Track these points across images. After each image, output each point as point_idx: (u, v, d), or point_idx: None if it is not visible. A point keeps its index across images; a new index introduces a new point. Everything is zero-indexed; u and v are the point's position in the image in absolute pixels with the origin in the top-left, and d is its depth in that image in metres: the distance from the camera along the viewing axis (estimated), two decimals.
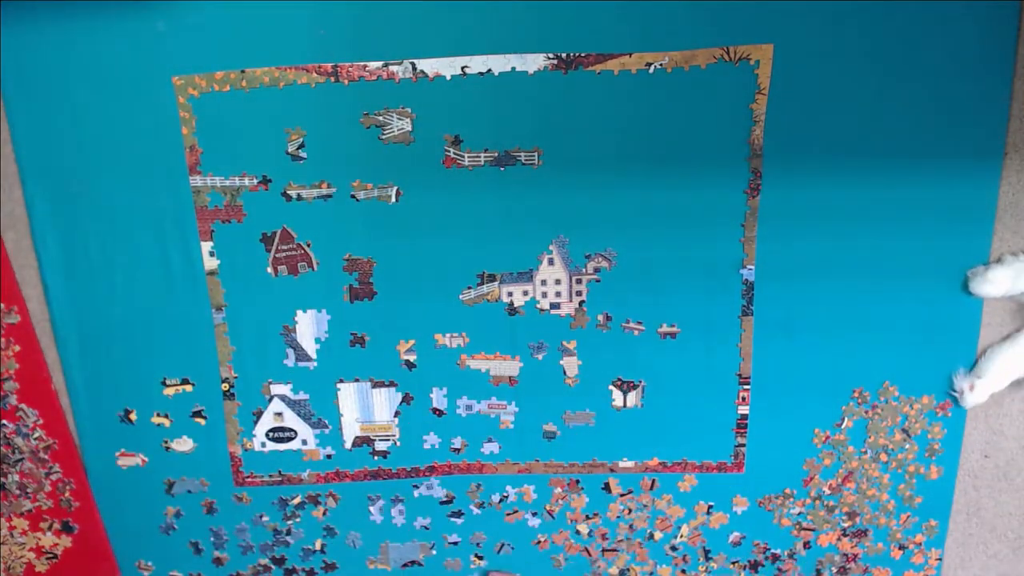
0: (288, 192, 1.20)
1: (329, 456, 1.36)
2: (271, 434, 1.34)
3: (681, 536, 1.40)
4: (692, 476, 1.35)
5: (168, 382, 1.31)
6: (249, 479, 1.37)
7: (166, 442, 1.35)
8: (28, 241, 1.23)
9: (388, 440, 1.35)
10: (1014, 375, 1.22)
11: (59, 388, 1.32)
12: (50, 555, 1.45)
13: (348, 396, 1.31)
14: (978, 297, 1.19)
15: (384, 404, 1.32)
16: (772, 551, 1.40)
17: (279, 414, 1.33)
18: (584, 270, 1.22)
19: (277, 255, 1.23)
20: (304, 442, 1.35)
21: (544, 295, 1.24)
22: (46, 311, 1.27)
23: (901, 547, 1.39)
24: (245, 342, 1.28)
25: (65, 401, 1.33)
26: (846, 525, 1.37)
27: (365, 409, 1.32)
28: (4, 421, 1.33)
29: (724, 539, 1.40)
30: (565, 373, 1.29)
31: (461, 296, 1.24)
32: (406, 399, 1.32)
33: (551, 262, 1.22)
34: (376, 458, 1.36)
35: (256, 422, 1.33)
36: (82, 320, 1.27)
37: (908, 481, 1.33)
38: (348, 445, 1.35)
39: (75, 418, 1.33)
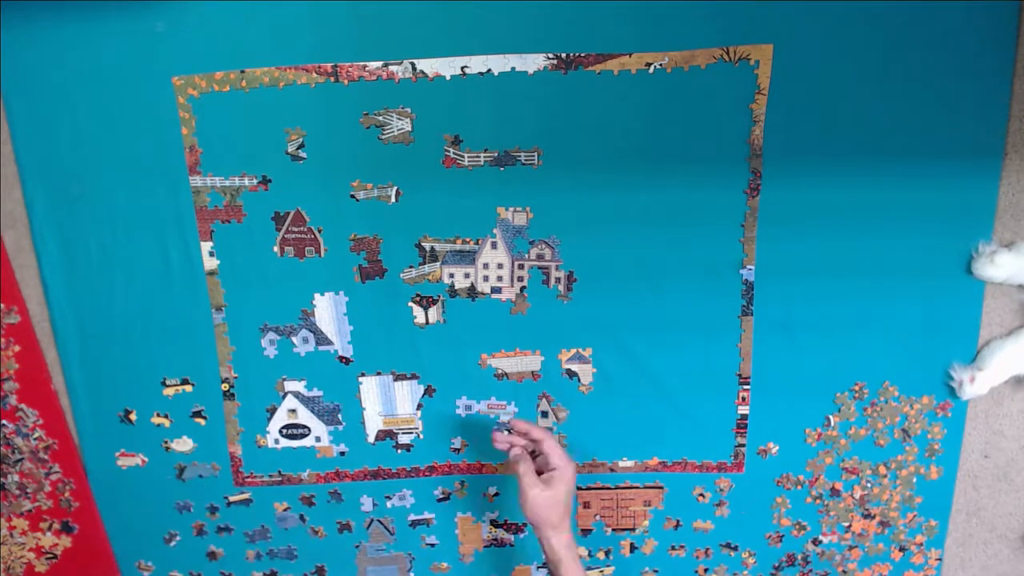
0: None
1: (343, 453, 1.35)
2: (284, 431, 1.34)
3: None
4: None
5: (168, 382, 1.31)
6: (249, 479, 1.37)
7: (166, 442, 1.35)
8: (28, 241, 1.23)
9: (411, 433, 1.34)
10: (1014, 371, 1.21)
11: (59, 388, 1.32)
12: (50, 555, 1.45)
13: (369, 390, 1.30)
14: (979, 280, 1.18)
15: (407, 397, 1.31)
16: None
17: (293, 411, 1.32)
18: (527, 257, 1.22)
19: (287, 235, 1.21)
20: (318, 439, 1.34)
21: (486, 279, 1.23)
22: (46, 311, 1.27)
23: (901, 547, 1.39)
24: (245, 342, 1.28)
25: (65, 401, 1.33)
26: (845, 525, 1.37)
27: (387, 403, 1.31)
28: (4, 421, 1.33)
29: (723, 539, 1.40)
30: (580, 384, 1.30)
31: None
32: (428, 391, 1.31)
33: (494, 246, 1.21)
34: (399, 452, 1.35)
35: (270, 419, 1.33)
36: (82, 320, 1.27)
37: (908, 481, 1.33)
38: (371, 439, 1.34)
39: (75, 418, 1.33)
